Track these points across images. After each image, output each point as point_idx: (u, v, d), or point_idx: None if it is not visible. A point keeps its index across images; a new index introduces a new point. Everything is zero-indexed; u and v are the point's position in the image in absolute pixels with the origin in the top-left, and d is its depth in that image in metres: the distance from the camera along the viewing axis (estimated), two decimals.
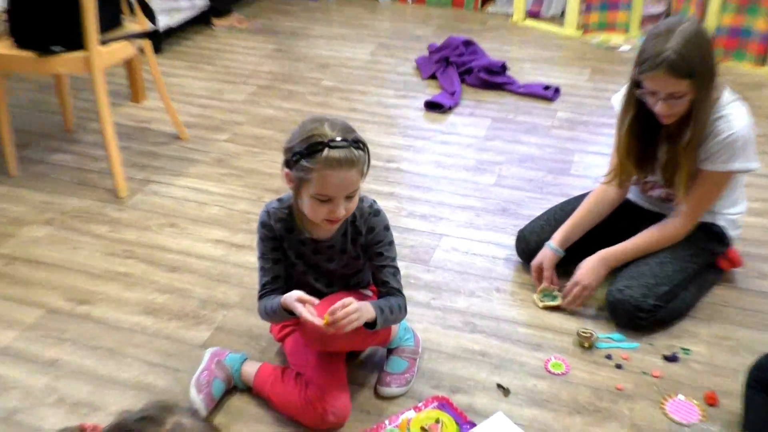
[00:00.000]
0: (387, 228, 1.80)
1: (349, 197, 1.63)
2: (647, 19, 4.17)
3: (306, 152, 1.57)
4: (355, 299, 1.64)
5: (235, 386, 1.85)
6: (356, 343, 1.83)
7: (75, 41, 2.49)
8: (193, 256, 2.37)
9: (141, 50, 2.92)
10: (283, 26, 4.45)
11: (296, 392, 1.74)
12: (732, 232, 2.15)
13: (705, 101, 1.90)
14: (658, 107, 1.91)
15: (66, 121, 3.15)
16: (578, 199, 2.30)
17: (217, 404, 1.80)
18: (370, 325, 1.69)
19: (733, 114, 1.94)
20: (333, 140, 1.57)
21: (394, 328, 1.89)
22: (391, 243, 1.81)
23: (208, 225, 2.54)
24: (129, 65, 3.31)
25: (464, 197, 2.72)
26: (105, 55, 2.59)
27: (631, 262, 2.09)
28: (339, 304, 1.60)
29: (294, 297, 1.65)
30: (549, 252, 2.16)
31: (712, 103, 1.93)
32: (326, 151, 1.56)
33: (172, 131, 3.12)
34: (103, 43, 2.58)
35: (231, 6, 4.50)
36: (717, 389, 1.85)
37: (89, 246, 2.41)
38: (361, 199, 1.74)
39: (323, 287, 1.84)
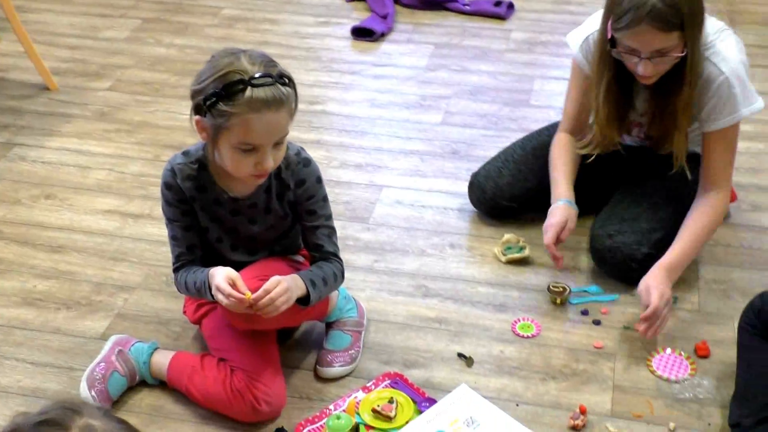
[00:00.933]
0: (319, 180, 1.86)
1: (277, 144, 1.68)
2: None
3: (223, 93, 1.59)
4: (281, 272, 1.73)
5: (143, 381, 1.91)
6: (288, 320, 1.89)
7: None
8: (79, 231, 2.40)
9: None
10: None
11: (219, 381, 1.81)
12: None
13: (696, 53, 1.93)
14: (641, 68, 1.93)
15: None
16: (540, 134, 2.41)
17: (115, 403, 1.85)
18: (302, 300, 1.76)
19: (720, 51, 1.99)
20: (254, 77, 1.60)
21: (332, 298, 1.97)
22: (324, 198, 1.87)
23: (94, 193, 2.56)
24: None
25: (406, 140, 2.80)
26: None
27: (618, 203, 2.21)
28: (262, 290, 1.66)
29: (222, 276, 1.68)
30: (572, 211, 2.15)
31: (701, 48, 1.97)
32: (248, 91, 1.58)
33: (36, 81, 3.10)
34: None
35: None
36: (708, 338, 2.00)
37: None
38: (287, 147, 1.79)
39: (244, 256, 1.89)
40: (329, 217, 1.88)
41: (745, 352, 1.81)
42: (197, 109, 1.65)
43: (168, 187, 1.81)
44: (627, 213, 2.17)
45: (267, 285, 1.67)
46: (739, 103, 2.01)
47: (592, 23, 2.10)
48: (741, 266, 2.24)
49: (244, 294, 1.65)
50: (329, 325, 2.00)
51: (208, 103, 1.61)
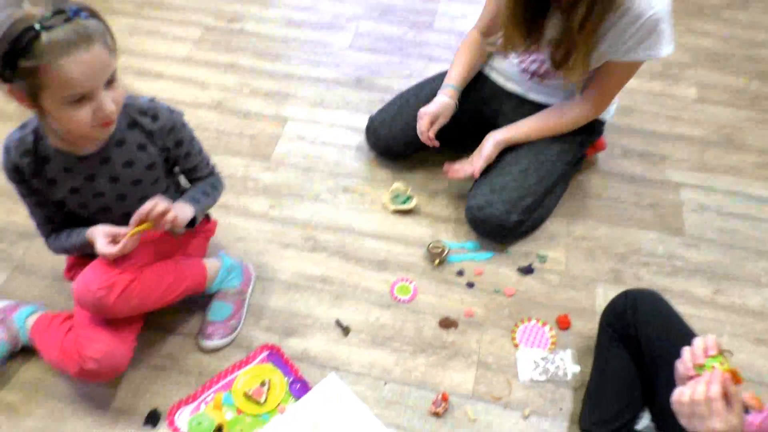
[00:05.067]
0: (184, 124, 1.21)
1: (110, 83, 1.02)
2: None
3: (19, 49, 0.92)
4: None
5: (24, 347, 1.30)
6: (150, 304, 1.22)
7: None
8: None
9: None
10: None
11: (56, 339, 1.23)
12: (608, 117, 1.61)
13: None
14: None
15: None
16: (433, 82, 1.67)
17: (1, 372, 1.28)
18: (191, 222, 1.22)
19: None
20: (45, 18, 0.93)
21: (211, 270, 1.34)
22: (192, 138, 1.24)
23: None
24: None
25: (314, 66, 2.02)
26: None
27: (487, 171, 1.54)
28: (147, 205, 1.11)
29: (100, 231, 1.15)
30: (450, 103, 1.53)
31: None
32: (44, 36, 0.92)
33: None
34: None
35: None
36: (571, 308, 1.43)
37: None
38: (135, 97, 1.16)
39: (117, 217, 1.20)
40: (201, 150, 1.27)
41: (601, 354, 1.26)
42: (3, 78, 0.96)
43: (5, 168, 1.13)
44: (498, 182, 1.49)
45: (149, 203, 1.11)
46: (661, 42, 1.33)
47: None
48: (607, 221, 1.62)
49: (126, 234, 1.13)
50: (211, 296, 1.38)
51: (6, 66, 0.93)
